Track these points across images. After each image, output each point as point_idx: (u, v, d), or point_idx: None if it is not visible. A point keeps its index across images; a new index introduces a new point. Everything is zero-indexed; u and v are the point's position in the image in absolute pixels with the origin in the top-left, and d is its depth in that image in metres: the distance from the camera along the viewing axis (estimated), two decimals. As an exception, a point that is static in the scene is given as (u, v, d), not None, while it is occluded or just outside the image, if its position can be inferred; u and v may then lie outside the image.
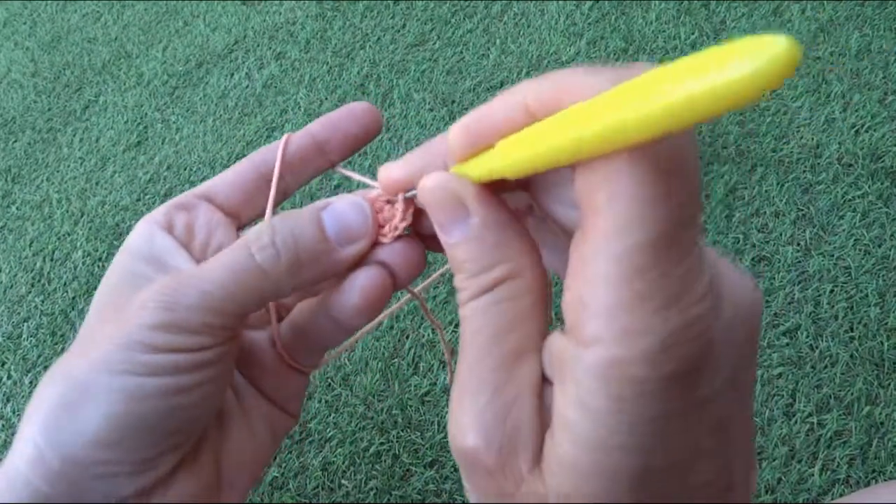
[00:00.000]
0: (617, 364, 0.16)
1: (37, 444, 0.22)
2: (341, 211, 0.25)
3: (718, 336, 0.16)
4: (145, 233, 0.26)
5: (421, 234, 0.26)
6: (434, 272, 0.30)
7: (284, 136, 0.29)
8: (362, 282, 0.25)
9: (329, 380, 0.78)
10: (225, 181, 0.29)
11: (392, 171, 0.24)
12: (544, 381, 0.19)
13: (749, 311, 0.17)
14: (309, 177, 0.30)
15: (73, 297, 0.95)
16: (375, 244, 0.26)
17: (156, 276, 0.25)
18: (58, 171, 1.15)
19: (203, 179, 0.34)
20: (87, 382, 0.22)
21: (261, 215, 0.30)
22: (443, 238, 0.21)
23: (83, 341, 0.24)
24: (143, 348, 0.22)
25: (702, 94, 0.13)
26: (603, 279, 0.16)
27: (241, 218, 0.29)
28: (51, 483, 0.22)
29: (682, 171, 0.16)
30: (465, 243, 0.20)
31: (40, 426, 0.22)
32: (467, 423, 0.19)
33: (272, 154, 0.29)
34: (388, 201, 0.26)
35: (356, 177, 0.30)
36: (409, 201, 0.25)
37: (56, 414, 0.22)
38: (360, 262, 0.26)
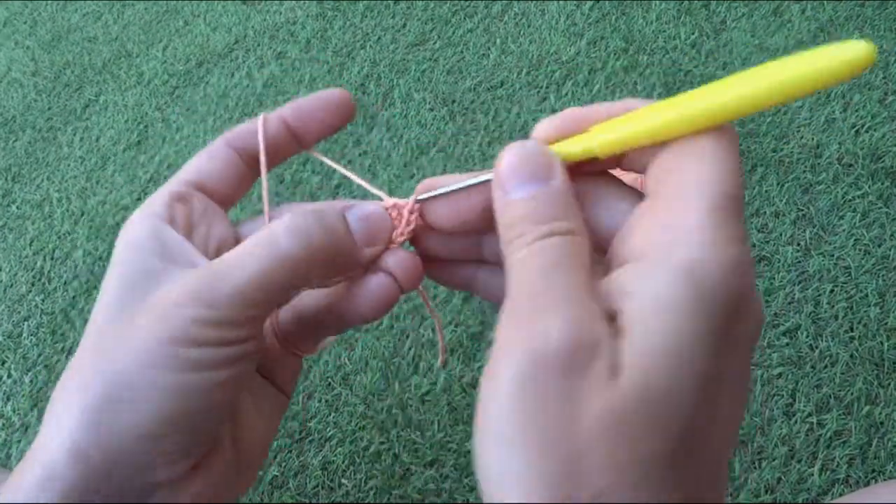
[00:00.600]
0: (700, 264, 0.19)
1: (75, 438, 0.22)
2: (366, 213, 0.27)
3: (754, 296, 0.20)
4: (150, 227, 0.26)
5: (417, 246, 0.29)
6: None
7: (260, 118, 0.29)
8: (375, 287, 0.27)
9: (329, 379, 0.78)
10: (212, 167, 0.29)
11: (543, 127, 0.25)
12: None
13: (759, 312, 0.21)
14: (280, 161, 0.31)
15: (74, 296, 0.95)
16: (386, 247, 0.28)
17: (171, 269, 0.25)
18: (58, 171, 1.15)
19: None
20: (132, 378, 0.22)
21: (240, 199, 0.31)
22: (509, 194, 0.23)
23: (105, 336, 0.24)
24: (187, 343, 0.23)
25: (809, 72, 0.19)
26: (687, 207, 0.20)
27: (227, 204, 0.30)
28: (88, 478, 0.22)
29: (738, 155, 0.21)
30: (541, 197, 0.22)
31: (80, 421, 0.22)
32: (547, 325, 0.19)
33: (248, 137, 0.29)
34: (397, 211, 0.28)
35: (341, 169, 0.32)
36: (413, 209, 0.27)
37: (99, 409, 0.22)
38: (370, 265, 0.28)
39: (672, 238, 0.19)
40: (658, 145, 0.22)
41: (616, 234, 0.24)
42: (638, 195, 0.25)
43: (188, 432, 0.23)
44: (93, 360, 0.24)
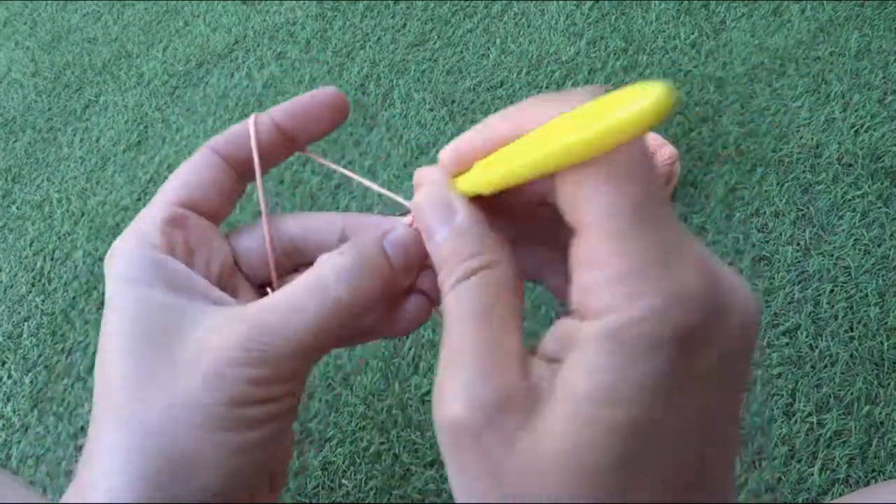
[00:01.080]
0: (624, 325, 0.17)
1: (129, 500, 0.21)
2: (401, 240, 0.26)
3: (715, 322, 0.18)
4: (150, 260, 0.24)
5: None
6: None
7: (251, 120, 0.27)
8: (413, 309, 0.27)
9: (329, 379, 0.78)
10: (198, 181, 0.27)
11: (448, 149, 0.24)
12: (547, 361, 0.20)
13: (746, 313, 0.19)
14: (273, 165, 0.29)
15: (74, 297, 0.95)
16: None
17: (192, 307, 0.23)
18: (58, 171, 1.15)
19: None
20: (194, 445, 0.21)
21: (232, 209, 0.29)
22: (430, 242, 0.23)
23: (149, 398, 0.22)
24: (245, 405, 0.22)
25: (595, 134, 0.16)
26: (601, 258, 0.18)
27: (219, 218, 0.28)
28: None
29: (635, 162, 0.18)
30: (450, 239, 0.22)
31: (143, 489, 0.21)
32: (452, 392, 0.19)
33: (238, 144, 0.27)
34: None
35: (325, 163, 0.30)
36: None
37: (158, 476, 0.21)
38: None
39: (592, 301, 0.18)
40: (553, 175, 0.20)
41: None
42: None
43: (247, 488, 0.23)
44: (135, 424, 0.22)
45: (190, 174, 0.27)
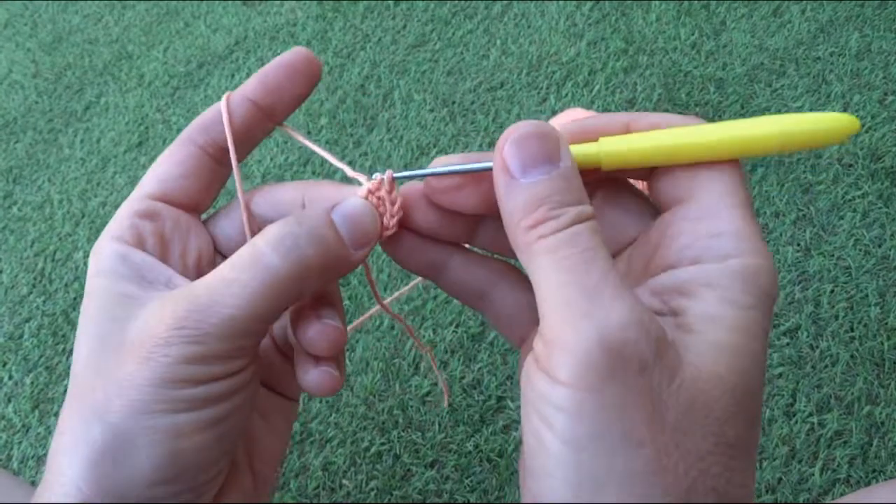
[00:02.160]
0: (755, 269, 0.20)
1: (81, 489, 0.21)
2: (354, 214, 0.24)
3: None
4: (116, 253, 0.24)
5: (410, 227, 0.26)
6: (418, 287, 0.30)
7: (223, 102, 0.26)
8: (311, 383, 0.26)
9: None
10: (175, 173, 0.26)
11: (569, 119, 0.26)
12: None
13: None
14: (255, 144, 0.28)
15: (75, 298, 0.95)
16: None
17: (146, 295, 0.23)
18: (59, 172, 1.15)
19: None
20: (128, 428, 0.21)
21: (216, 197, 0.28)
22: (517, 178, 0.21)
23: (95, 373, 0.22)
24: (178, 385, 0.21)
25: (792, 132, 0.22)
26: (729, 216, 0.21)
27: (201, 208, 0.28)
28: None
29: (743, 175, 0.23)
30: (555, 179, 0.21)
31: (84, 472, 0.21)
32: (613, 316, 0.19)
33: (213, 129, 0.26)
34: (378, 196, 0.25)
35: (315, 147, 0.28)
36: (392, 184, 0.25)
37: (100, 462, 0.21)
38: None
39: (726, 246, 0.21)
40: (661, 167, 0.24)
41: (640, 241, 0.24)
42: (638, 204, 0.25)
43: (202, 468, 0.22)
44: (87, 405, 0.22)
45: (165, 167, 0.26)
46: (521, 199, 0.21)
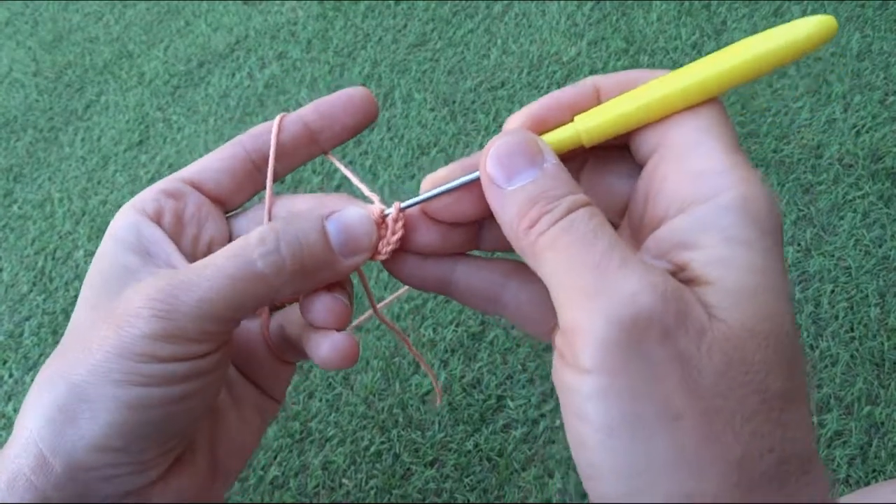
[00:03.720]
0: (750, 197, 0.19)
1: (39, 448, 0.22)
2: (348, 222, 0.25)
3: None
4: (132, 221, 0.25)
5: (411, 248, 0.27)
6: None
7: (277, 119, 0.28)
8: (326, 353, 0.26)
9: (330, 379, 0.78)
10: (213, 166, 0.27)
11: (515, 120, 0.24)
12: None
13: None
14: (299, 164, 0.29)
15: (75, 296, 0.95)
16: (372, 257, 0.26)
17: (144, 269, 0.24)
18: (59, 171, 1.15)
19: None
20: (87, 390, 0.22)
21: (246, 200, 0.29)
22: (505, 187, 0.22)
23: (77, 336, 0.24)
24: (141, 358, 0.22)
25: (775, 48, 0.21)
26: (707, 151, 0.20)
27: (228, 204, 0.28)
28: (56, 487, 0.22)
29: (725, 113, 0.22)
30: (541, 179, 0.21)
31: (41, 430, 0.22)
32: (633, 288, 0.18)
33: (262, 138, 0.28)
34: (383, 218, 0.25)
35: (347, 171, 0.29)
36: (398, 217, 0.25)
37: (57, 420, 0.22)
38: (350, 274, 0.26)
39: (712, 183, 0.20)
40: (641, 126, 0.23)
41: (631, 199, 0.24)
42: (631, 159, 0.25)
43: (149, 444, 0.23)
44: (59, 365, 0.23)
45: (208, 159, 0.28)
46: (514, 205, 0.21)
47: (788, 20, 1.06)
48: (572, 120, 0.24)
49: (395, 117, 1.08)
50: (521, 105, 1.05)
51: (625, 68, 1.06)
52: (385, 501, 0.69)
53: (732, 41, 1.07)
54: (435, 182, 0.25)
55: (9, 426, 0.83)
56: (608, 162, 0.25)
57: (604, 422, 0.18)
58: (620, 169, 0.25)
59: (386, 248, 0.26)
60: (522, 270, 0.27)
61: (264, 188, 0.29)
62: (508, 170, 0.22)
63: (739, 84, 0.21)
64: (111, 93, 1.29)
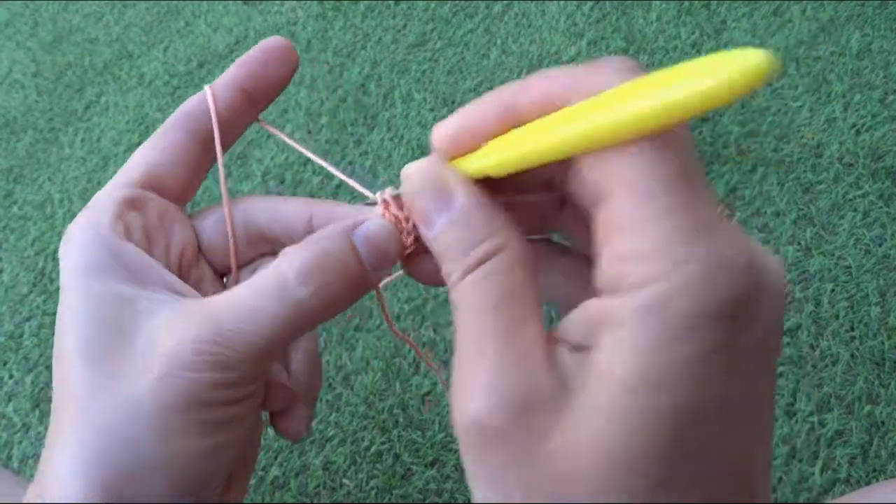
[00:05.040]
0: (666, 297, 0.15)
1: None
2: (376, 237, 0.23)
3: (759, 294, 0.16)
4: (101, 244, 0.23)
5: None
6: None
7: (208, 90, 0.25)
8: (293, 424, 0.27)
9: (330, 379, 0.78)
10: (163, 160, 0.25)
11: (445, 129, 0.22)
12: (571, 350, 0.19)
13: (781, 286, 0.17)
14: (239, 133, 0.27)
15: (75, 297, 0.95)
16: None
17: (145, 299, 0.22)
18: (59, 171, 1.15)
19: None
20: (146, 450, 0.20)
21: (199, 185, 0.27)
22: (427, 233, 0.21)
23: (102, 395, 0.21)
24: (202, 409, 0.21)
25: (684, 98, 0.15)
26: (639, 224, 0.16)
27: (186, 198, 0.27)
28: None
29: (674, 139, 0.17)
30: (452, 226, 0.20)
31: (101, 491, 0.20)
32: (473, 388, 0.18)
33: (198, 111, 0.25)
34: (394, 214, 0.24)
35: (280, 134, 0.27)
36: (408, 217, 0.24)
37: (116, 489, 0.20)
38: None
39: (630, 273, 0.16)
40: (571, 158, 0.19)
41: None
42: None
43: (206, 486, 0.22)
44: (93, 424, 0.21)
45: (150, 151, 0.25)
46: (437, 251, 0.21)
47: (788, 19, 1.06)
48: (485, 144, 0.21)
49: (395, 117, 1.08)
50: (521, 105, 1.05)
51: (625, 68, 1.06)
52: (385, 501, 0.69)
53: (732, 40, 1.08)
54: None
55: (9, 427, 0.83)
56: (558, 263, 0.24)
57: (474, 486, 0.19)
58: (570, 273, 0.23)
59: (409, 239, 0.24)
60: (549, 254, 0.25)
61: (215, 169, 0.27)
62: (425, 212, 0.21)
63: (662, 128, 0.16)
64: (111, 93, 1.29)
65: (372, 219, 0.24)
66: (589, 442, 0.16)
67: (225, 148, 0.26)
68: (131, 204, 0.24)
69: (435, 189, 0.21)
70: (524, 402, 0.17)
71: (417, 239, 0.24)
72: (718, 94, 0.14)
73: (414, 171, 0.22)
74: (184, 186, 0.26)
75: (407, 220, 0.24)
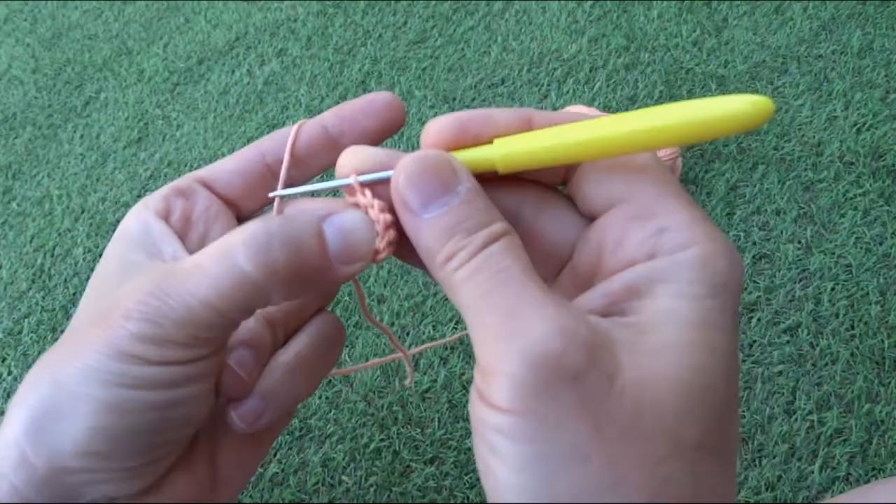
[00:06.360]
0: (708, 256, 0.19)
1: (21, 448, 0.21)
2: (348, 228, 0.23)
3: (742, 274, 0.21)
4: (140, 219, 0.25)
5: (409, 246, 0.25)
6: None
7: (297, 124, 0.27)
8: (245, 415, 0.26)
9: (329, 376, 0.78)
10: (227, 167, 0.27)
11: (434, 127, 0.23)
12: (599, 316, 0.20)
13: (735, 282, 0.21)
14: (317, 171, 0.27)
15: (74, 294, 0.95)
16: (373, 259, 0.24)
17: (149, 265, 0.23)
18: (58, 168, 1.15)
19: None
20: (74, 390, 0.21)
21: (261, 206, 0.28)
22: (420, 215, 0.21)
23: (74, 335, 0.23)
24: (131, 360, 0.21)
25: (696, 121, 0.20)
26: (671, 209, 0.21)
27: (241, 208, 0.27)
28: (38, 488, 0.21)
29: (665, 163, 0.22)
30: (456, 208, 0.21)
31: (25, 430, 0.21)
32: (543, 331, 0.18)
33: (280, 143, 0.27)
34: (362, 205, 0.23)
35: (360, 187, 0.27)
36: (389, 223, 0.23)
37: (41, 419, 0.21)
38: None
39: (674, 239, 0.20)
40: (570, 165, 0.23)
41: (578, 249, 0.23)
42: (571, 208, 0.24)
43: (135, 451, 0.22)
44: (49, 362, 0.22)
45: (224, 161, 0.27)
46: (430, 236, 0.21)
47: (790, 17, 1.06)
48: (492, 141, 0.22)
49: (395, 114, 1.08)
50: (521, 103, 1.05)
51: (625, 65, 1.06)
52: (384, 499, 0.69)
53: (733, 38, 1.07)
54: (356, 159, 0.24)
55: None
56: (549, 207, 0.24)
57: (514, 460, 0.18)
58: (562, 217, 0.24)
59: (382, 255, 0.23)
60: (543, 193, 0.25)
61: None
62: (422, 196, 0.21)
63: (665, 146, 0.21)
64: (110, 90, 1.29)
65: (351, 211, 0.23)
66: (665, 373, 0.18)
67: (296, 181, 0.27)
68: (180, 191, 0.26)
69: (436, 172, 0.21)
70: (595, 343, 0.18)
71: (390, 244, 0.23)
72: (717, 126, 0.19)
73: (412, 158, 0.22)
74: (238, 194, 0.27)
75: (382, 210, 0.23)
